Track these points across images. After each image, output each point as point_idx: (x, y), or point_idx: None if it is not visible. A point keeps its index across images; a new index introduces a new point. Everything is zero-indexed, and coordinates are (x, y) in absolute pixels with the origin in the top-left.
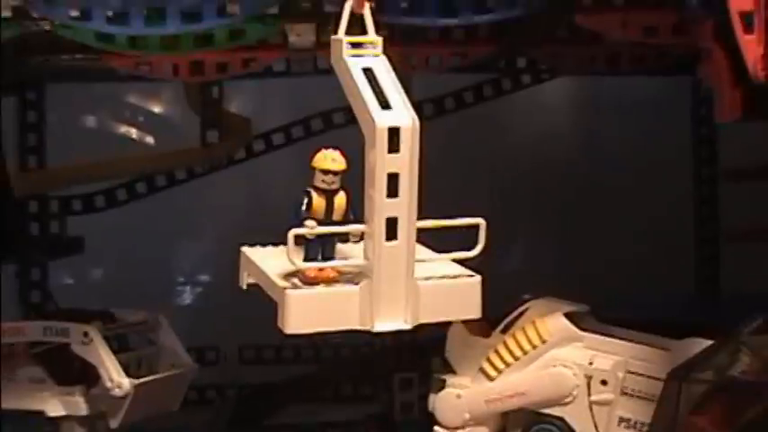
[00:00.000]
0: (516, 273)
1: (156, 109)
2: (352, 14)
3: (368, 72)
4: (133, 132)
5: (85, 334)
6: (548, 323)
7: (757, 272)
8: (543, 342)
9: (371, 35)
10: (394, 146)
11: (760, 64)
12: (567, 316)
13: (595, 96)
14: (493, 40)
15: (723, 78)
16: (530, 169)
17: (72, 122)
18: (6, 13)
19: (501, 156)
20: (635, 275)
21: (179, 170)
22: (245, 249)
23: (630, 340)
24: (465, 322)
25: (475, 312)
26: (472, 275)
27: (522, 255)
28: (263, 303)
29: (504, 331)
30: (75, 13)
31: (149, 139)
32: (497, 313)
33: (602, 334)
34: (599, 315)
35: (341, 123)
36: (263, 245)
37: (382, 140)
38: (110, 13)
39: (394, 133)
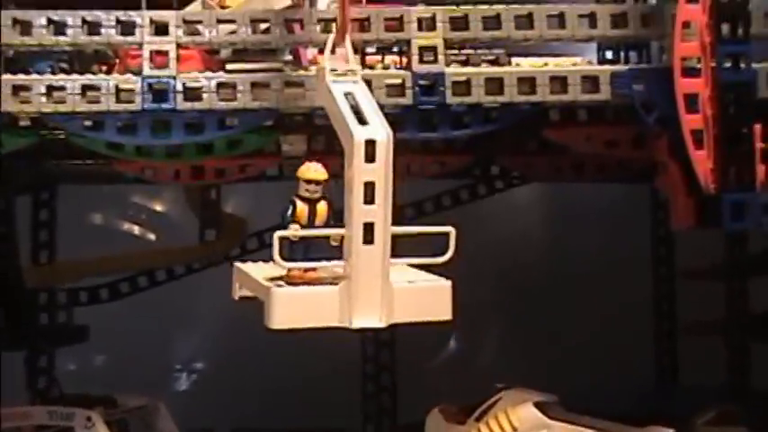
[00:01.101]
0: (490, 363)
1: (159, 209)
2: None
3: (348, 95)
4: (136, 230)
5: (89, 419)
6: (519, 412)
7: (712, 364)
8: (514, 430)
9: (352, 64)
10: (370, 157)
11: (710, 177)
12: (537, 405)
13: (562, 201)
14: (469, 150)
15: (678, 189)
16: (503, 266)
17: (81, 221)
18: (25, 123)
19: (476, 253)
20: (600, 367)
21: (178, 266)
22: (238, 264)
23: (596, 428)
24: (442, 410)
25: (446, 314)
26: (444, 280)
27: (495, 346)
28: (257, 390)
29: (478, 419)
30: (87, 124)
31: (151, 237)
32: (473, 401)
33: (570, 422)
34: (566, 404)
35: None
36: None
37: (360, 152)
38: (119, 124)
39: (370, 145)
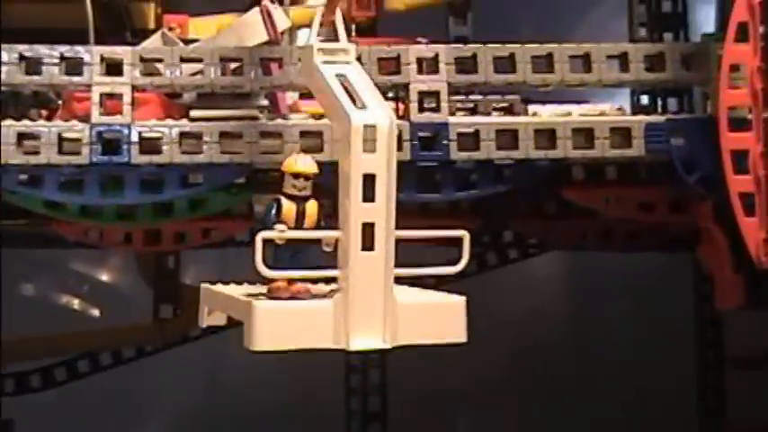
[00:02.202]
0: None
1: (104, 278)
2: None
3: (341, 77)
4: (77, 304)
5: None
6: None
7: None
8: None
9: (343, 42)
10: (369, 146)
11: (762, 249)
12: None
13: (587, 272)
14: (477, 213)
15: (724, 262)
16: (517, 347)
17: (10, 291)
18: None
19: (485, 332)
20: None
21: (127, 347)
22: (205, 285)
23: None
24: None
25: (460, 335)
26: (456, 297)
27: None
28: None
29: None
30: (23, 178)
31: (95, 312)
32: None
33: None
34: None
35: None
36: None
37: (357, 139)
38: (62, 180)
39: (370, 132)
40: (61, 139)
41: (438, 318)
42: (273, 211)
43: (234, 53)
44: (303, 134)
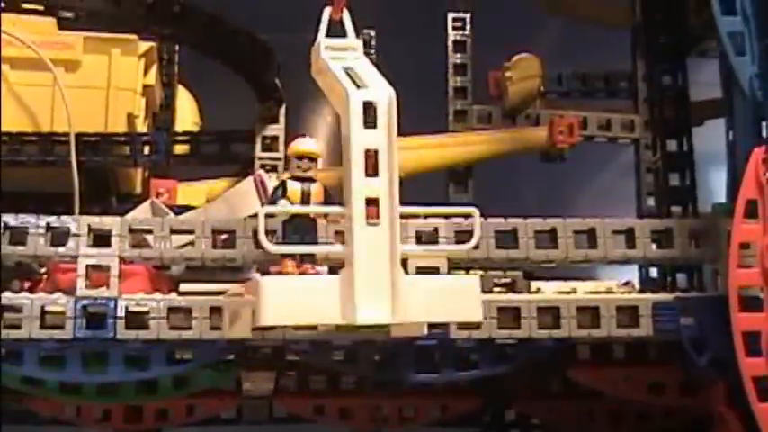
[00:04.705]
0: None
1: None
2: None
3: (348, 70)
4: None
5: None
6: None
7: None
8: None
9: (351, 39)
10: (370, 122)
11: None
12: None
13: None
14: (478, 392)
15: None
16: None
17: None
18: None
19: None
20: None
21: None
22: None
23: None
24: None
25: (475, 315)
26: (470, 277)
27: None
28: None
29: None
30: (1, 352)
31: None
32: None
33: None
34: None
35: None
36: None
37: (357, 114)
38: (42, 355)
39: (369, 108)
40: (44, 313)
41: (450, 297)
42: (280, 191)
43: (226, 225)
44: None
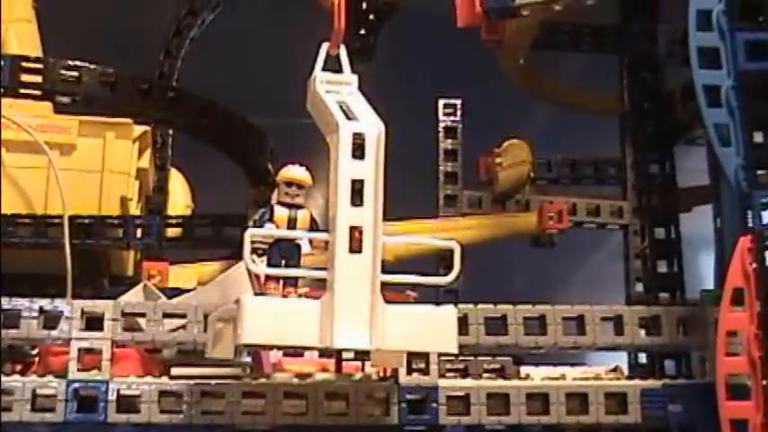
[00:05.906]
0: None
1: None
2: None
3: (341, 103)
4: None
5: None
6: None
7: None
8: None
9: (346, 74)
10: (358, 153)
11: None
12: None
13: None
14: None
15: None
16: None
17: None
18: None
19: None
20: None
21: None
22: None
23: None
24: None
25: (450, 346)
26: (448, 306)
27: None
28: None
29: None
30: None
31: None
32: None
33: None
34: None
35: None
36: None
37: (346, 145)
38: None
39: (359, 140)
40: (35, 396)
41: (428, 326)
42: (267, 216)
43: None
44: (287, 395)
